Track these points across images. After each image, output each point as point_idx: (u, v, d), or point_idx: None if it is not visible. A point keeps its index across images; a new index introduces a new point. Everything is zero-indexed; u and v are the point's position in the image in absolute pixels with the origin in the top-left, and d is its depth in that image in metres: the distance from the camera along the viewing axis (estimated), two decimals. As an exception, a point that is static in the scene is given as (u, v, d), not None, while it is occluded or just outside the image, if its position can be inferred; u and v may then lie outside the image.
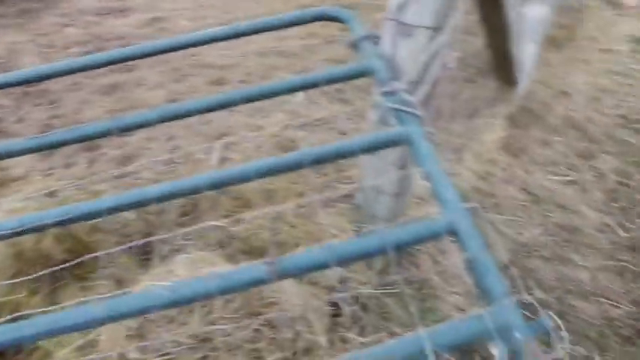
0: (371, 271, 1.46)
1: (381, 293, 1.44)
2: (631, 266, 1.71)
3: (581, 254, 1.76)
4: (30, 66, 2.78)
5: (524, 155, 2.22)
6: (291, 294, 1.25)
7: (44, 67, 1.21)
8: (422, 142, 0.90)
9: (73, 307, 0.70)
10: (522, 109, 2.51)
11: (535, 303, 0.74)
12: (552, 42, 3.39)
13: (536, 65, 2.82)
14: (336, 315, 1.37)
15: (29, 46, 3.05)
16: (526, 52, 2.31)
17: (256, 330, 1.17)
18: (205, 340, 1.14)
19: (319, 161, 0.92)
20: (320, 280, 1.35)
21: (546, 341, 0.65)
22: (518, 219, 1.90)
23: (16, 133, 2.21)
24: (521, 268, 1.66)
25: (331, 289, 1.38)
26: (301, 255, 0.76)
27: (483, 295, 0.71)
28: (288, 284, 1.28)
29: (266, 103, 2.37)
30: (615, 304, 1.57)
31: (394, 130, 0.94)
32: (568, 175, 2.15)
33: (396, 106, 0.98)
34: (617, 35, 3.74)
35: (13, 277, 1.20)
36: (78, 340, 1.10)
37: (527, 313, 0.70)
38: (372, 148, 0.95)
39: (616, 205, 1.99)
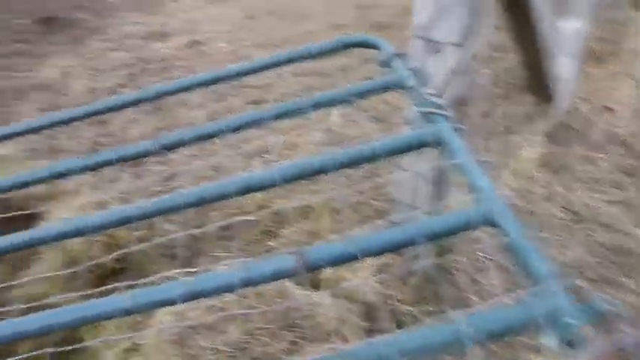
0: (406, 286, 1.46)
1: (417, 310, 1.44)
2: (685, 291, 1.63)
3: (631, 277, 1.68)
4: (80, 87, 2.96)
5: (565, 172, 2.17)
6: (327, 308, 1.27)
7: (104, 102, 1.36)
8: (453, 137, 0.88)
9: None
10: (563, 126, 2.46)
11: (586, 286, 0.63)
12: (595, 56, 3.31)
13: (577, 80, 2.76)
14: (371, 330, 1.37)
15: (79, 70, 3.25)
16: (563, 67, 2.27)
17: (292, 342, 1.19)
18: (243, 349, 1.17)
19: (350, 163, 0.90)
20: (356, 295, 1.36)
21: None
22: (560, 238, 1.85)
23: (69, 149, 2.34)
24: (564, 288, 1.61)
25: (367, 304, 1.39)
26: (328, 246, 0.71)
27: (528, 280, 0.64)
28: (324, 298, 1.29)
29: (303, 121, 2.43)
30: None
31: (424, 129, 0.93)
32: (612, 194, 2.08)
33: (426, 109, 0.98)
34: (663, 49, 3.62)
35: (65, 282, 1.27)
36: (125, 342, 1.15)
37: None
38: (403, 149, 0.93)
39: (665, 225, 1.91)
